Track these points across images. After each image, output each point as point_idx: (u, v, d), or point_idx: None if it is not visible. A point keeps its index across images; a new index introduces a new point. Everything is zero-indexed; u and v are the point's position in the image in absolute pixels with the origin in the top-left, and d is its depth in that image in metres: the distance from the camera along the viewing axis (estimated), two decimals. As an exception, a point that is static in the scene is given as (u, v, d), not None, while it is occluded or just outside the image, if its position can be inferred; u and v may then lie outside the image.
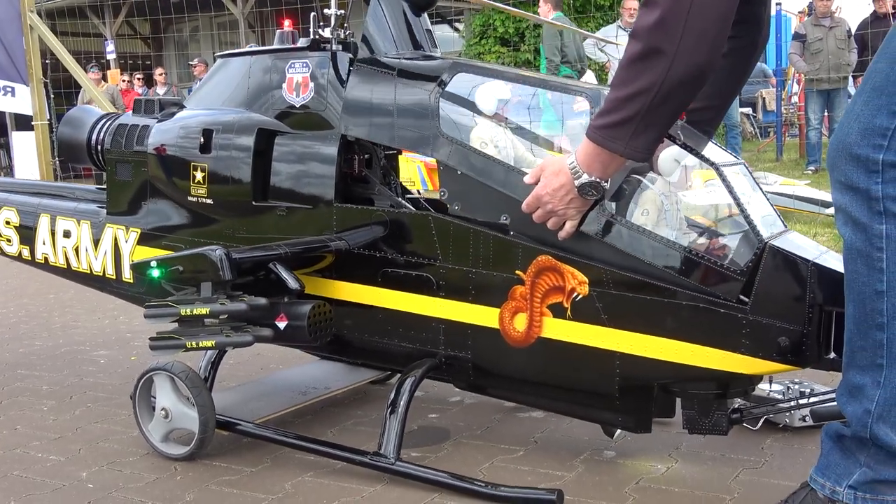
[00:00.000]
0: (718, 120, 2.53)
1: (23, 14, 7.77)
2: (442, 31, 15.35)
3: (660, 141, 2.08)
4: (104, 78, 13.41)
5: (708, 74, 1.93)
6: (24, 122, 9.25)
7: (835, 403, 2.76)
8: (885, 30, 8.16)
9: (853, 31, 10.34)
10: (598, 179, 2.10)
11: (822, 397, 2.49)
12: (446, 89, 2.56)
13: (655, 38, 1.88)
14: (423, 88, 2.57)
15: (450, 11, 14.69)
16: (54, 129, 8.70)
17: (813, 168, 9.77)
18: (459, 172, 2.48)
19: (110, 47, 15.51)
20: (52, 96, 9.24)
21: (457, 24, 15.04)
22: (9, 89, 8.11)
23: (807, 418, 2.72)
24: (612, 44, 8.82)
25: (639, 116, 1.95)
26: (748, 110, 14.69)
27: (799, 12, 13.89)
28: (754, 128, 14.51)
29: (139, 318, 4.74)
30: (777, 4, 12.83)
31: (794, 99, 13.06)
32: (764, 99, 14.68)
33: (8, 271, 7.02)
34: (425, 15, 2.87)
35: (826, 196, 6.36)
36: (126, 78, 14.85)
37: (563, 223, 2.24)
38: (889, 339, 1.80)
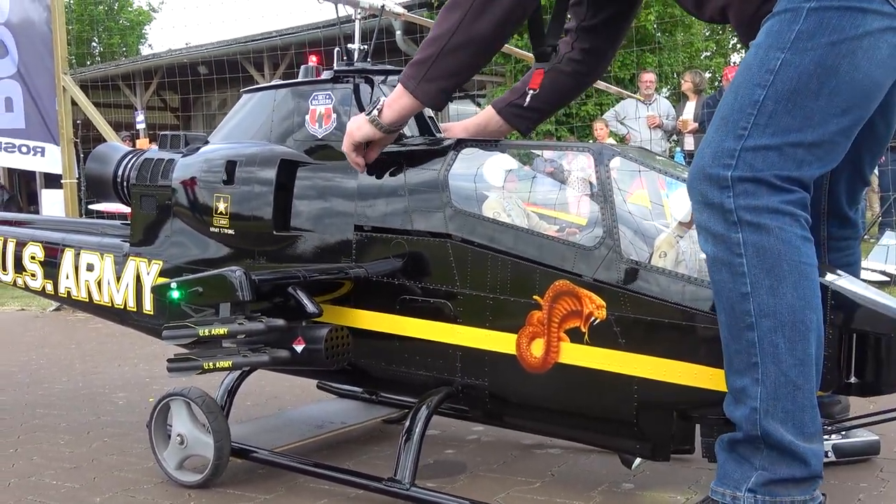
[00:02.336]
0: (595, 77, 2.76)
1: (56, 76, 8.00)
2: (465, 107, 15.58)
3: (447, 98, 2.31)
4: (133, 146, 13.69)
5: (487, 48, 2.26)
6: (52, 180, 9.42)
7: (860, 438, 2.76)
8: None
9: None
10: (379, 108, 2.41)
11: (848, 430, 2.46)
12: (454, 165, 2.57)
13: None
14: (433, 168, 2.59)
15: (472, 86, 14.93)
16: (82, 188, 8.87)
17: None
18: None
19: (140, 117, 15.83)
20: (82, 155, 9.41)
21: (479, 100, 15.26)
22: (38, 150, 8.29)
23: (829, 454, 2.67)
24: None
25: (432, 59, 2.26)
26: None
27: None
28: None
29: (159, 366, 4.77)
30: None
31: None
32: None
33: (32, 324, 7.11)
34: None
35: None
36: (153, 146, 15.13)
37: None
38: (759, 336, 1.90)
